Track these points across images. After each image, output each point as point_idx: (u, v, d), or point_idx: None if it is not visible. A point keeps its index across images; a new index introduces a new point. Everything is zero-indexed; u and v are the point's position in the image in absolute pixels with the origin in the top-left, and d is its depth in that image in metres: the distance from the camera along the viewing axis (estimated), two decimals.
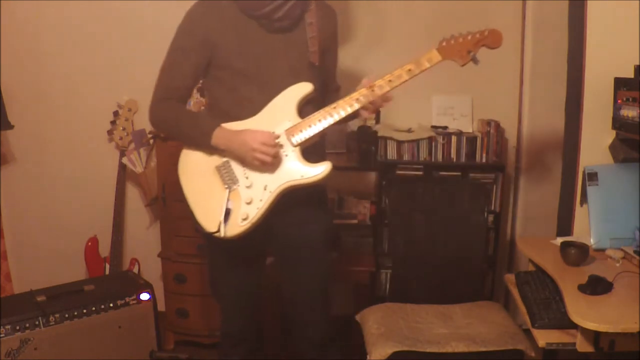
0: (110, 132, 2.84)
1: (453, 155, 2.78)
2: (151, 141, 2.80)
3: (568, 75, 2.29)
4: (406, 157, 2.79)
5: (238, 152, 1.72)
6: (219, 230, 1.72)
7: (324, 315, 2.02)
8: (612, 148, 2.14)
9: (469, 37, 1.71)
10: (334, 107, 1.72)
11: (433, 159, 2.78)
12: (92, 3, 2.82)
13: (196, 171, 1.81)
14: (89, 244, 2.90)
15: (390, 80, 1.71)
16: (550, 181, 2.73)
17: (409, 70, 1.71)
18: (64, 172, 3.00)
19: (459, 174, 2.78)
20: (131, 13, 2.83)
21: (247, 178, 1.75)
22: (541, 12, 2.73)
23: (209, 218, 1.75)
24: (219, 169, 1.78)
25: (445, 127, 2.86)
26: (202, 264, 2.65)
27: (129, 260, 2.96)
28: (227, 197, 1.74)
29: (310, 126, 1.73)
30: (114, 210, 2.85)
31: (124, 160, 2.83)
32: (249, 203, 1.73)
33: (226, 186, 1.75)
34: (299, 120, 1.74)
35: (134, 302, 2.29)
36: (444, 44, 1.72)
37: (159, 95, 1.82)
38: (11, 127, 2.76)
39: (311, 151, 1.77)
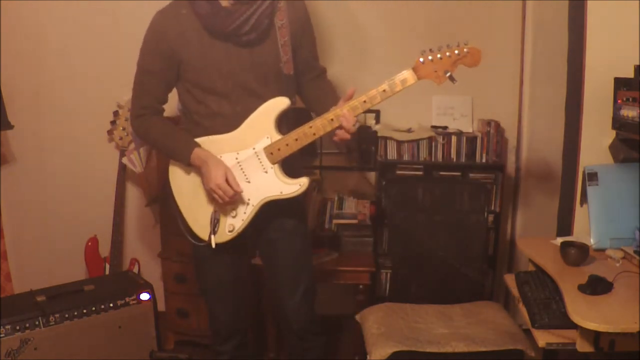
0: (110, 132, 2.84)
1: (453, 155, 2.78)
2: None
3: (568, 75, 2.29)
4: (406, 157, 2.79)
5: (204, 180, 1.80)
6: (209, 240, 1.83)
7: (305, 306, 2.03)
8: (612, 148, 2.14)
9: (447, 54, 1.65)
10: (310, 127, 1.75)
11: (433, 159, 2.78)
12: (93, 3, 2.82)
13: (187, 182, 1.88)
14: (89, 244, 2.89)
15: (364, 102, 1.70)
16: (550, 181, 2.73)
17: (383, 91, 1.68)
18: (64, 172, 3.00)
19: (459, 174, 2.78)
20: (132, 13, 2.82)
21: None
22: (541, 12, 2.73)
23: (200, 227, 1.86)
24: None
25: (445, 127, 2.86)
26: None
27: (129, 260, 2.96)
28: (215, 208, 1.84)
29: (287, 145, 1.77)
30: (114, 210, 2.84)
31: (124, 160, 2.82)
32: (234, 216, 1.83)
33: (213, 198, 1.81)
34: (277, 137, 1.78)
35: (134, 302, 2.29)
36: (422, 60, 1.66)
37: (135, 112, 1.87)
38: (11, 127, 2.76)
39: (288, 163, 1.82)
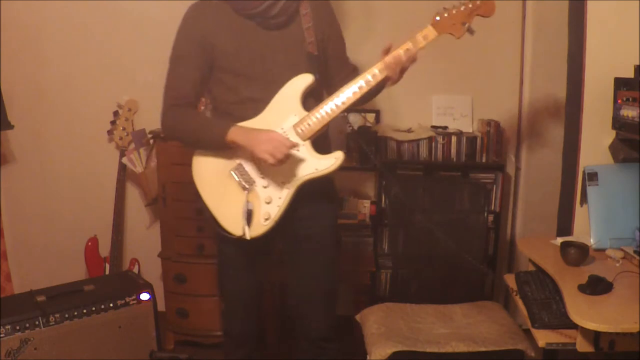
0: (110, 132, 2.84)
1: (453, 155, 2.78)
2: (151, 141, 2.80)
3: (568, 75, 2.29)
4: (406, 157, 2.79)
5: (251, 146, 1.70)
6: (244, 233, 1.74)
7: (328, 312, 2.02)
8: (612, 148, 2.14)
9: (462, 8, 1.69)
10: (338, 97, 1.72)
11: (433, 159, 2.78)
12: (93, 3, 2.82)
13: (211, 177, 1.81)
14: (89, 244, 2.90)
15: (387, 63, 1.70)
16: (550, 181, 2.73)
17: (407, 49, 1.70)
18: (64, 172, 3.00)
19: (459, 174, 2.78)
20: (131, 13, 2.83)
21: (262, 178, 1.76)
22: (541, 12, 2.73)
23: (232, 222, 1.77)
24: (233, 172, 1.78)
25: (445, 127, 2.86)
26: (202, 264, 2.65)
27: (129, 260, 2.96)
28: (247, 199, 1.75)
29: (316, 118, 1.73)
30: (114, 210, 2.85)
31: (124, 160, 2.83)
32: (268, 202, 1.75)
33: (244, 188, 1.76)
34: (304, 113, 1.74)
35: (134, 302, 2.29)
36: (438, 18, 1.70)
37: (168, 103, 1.82)
38: (11, 127, 2.76)
39: (319, 142, 1.78)
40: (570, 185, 2.24)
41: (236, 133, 1.71)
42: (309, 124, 1.73)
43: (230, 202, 1.77)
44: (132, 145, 2.82)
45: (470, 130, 2.88)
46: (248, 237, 1.74)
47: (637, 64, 1.99)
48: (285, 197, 1.75)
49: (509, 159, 2.93)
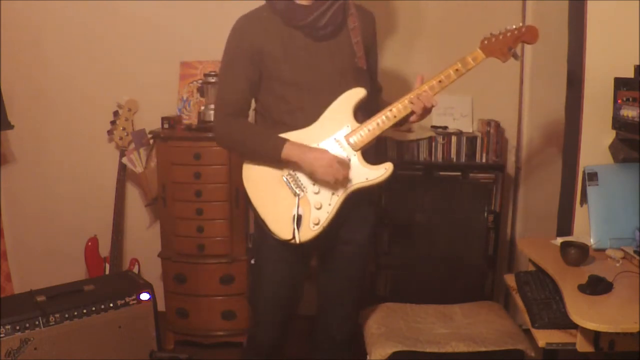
0: (110, 132, 2.84)
1: (453, 155, 2.78)
2: (151, 141, 2.80)
3: (568, 75, 2.30)
4: (406, 157, 2.79)
5: (310, 166, 1.75)
6: (293, 237, 1.78)
7: (353, 315, 2.06)
8: (612, 148, 2.14)
9: (508, 35, 1.77)
10: (390, 110, 1.78)
11: (433, 159, 2.78)
12: (93, 3, 2.82)
13: (262, 182, 1.84)
14: (89, 244, 2.90)
15: (440, 81, 1.77)
16: (550, 181, 2.73)
17: (457, 70, 1.77)
18: (64, 172, 3.00)
19: (459, 174, 2.78)
20: (131, 13, 2.83)
21: (314, 184, 1.80)
22: (541, 12, 2.73)
23: (281, 226, 1.81)
24: (285, 178, 1.81)
25: (445, 127, 2.86)
26: (202, 264, 2.65)
27: (129, 260, 2.96)
28: (297, 204, 1.79)
29: (369, 130, 1.78)
30: (114, 210, 2.85)
31: (124, 160, 2.83)
32: (318, 208, 1.79)
33: (295, 194, 1.80)
34: (356, 125, 1.78)
35: (134, 302, 2.29)
36: (486, 42, 1.77)
37: (221, 112, 1.86)
38: (11, 127, 2.76)
39: (369, 153, 1.82)
40: (570, 185, 2.24)
41: (291, 152, 1.76)
42: (360, 135, 1.78)
43: (280, 207, 1.81)
44: (132, 145, 2.82)
45: (470, 130, 2.88)
46: (298, 241, 1.78)
47: (637, 64, 1.99)
48: (335, 204, 1.79)
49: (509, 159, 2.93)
